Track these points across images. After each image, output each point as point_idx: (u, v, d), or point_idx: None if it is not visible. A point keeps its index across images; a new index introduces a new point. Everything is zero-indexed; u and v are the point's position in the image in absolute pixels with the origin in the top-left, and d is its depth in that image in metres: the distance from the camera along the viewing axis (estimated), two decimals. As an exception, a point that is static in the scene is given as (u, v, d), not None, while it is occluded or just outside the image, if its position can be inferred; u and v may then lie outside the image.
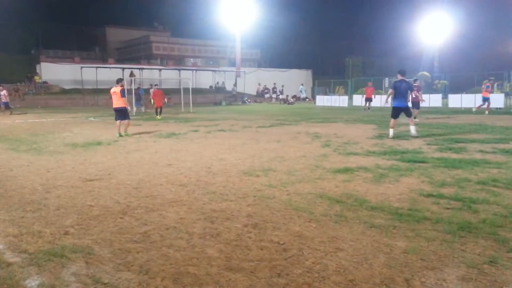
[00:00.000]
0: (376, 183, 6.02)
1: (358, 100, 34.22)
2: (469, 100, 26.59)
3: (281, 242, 3.84)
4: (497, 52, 48.20)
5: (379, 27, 61.63)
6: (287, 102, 39.61)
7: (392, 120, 11.48)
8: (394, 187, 5.78)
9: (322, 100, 36.90)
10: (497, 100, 25.43)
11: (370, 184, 5.97)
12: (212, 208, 4.93)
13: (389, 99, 12.52)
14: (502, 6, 51.05)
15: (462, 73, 37.65)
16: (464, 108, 25.61)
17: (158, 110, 20.58)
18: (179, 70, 43.85)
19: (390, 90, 11.77)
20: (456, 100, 27.73)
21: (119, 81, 12.71)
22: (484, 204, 4.85)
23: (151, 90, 25.16)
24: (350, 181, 6.13)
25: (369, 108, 26.53)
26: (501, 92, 26.84)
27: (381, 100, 31.51)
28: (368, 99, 26.75)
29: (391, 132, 11.38)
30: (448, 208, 4.74)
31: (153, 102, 21.58)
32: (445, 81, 37.66)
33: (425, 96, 30.86)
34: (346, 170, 6.84)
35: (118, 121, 12.55)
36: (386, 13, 62.01)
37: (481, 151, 8.73)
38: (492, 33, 50.67)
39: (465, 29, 49.27)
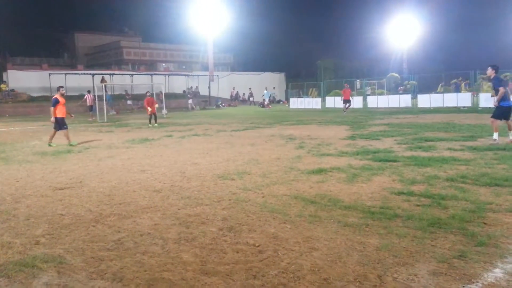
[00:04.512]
0: (349, 183, 6.12)
1: (331, 101, 34.67)
2: (437, 100, 27.39)
3: (257, 244, 3.85)
4: (462, 53, 49.90)
5: (349, 30, 63.01)
6: (263, 105, 39.65)
7: (498, 122, 9.77)
8: (366, 186, 5.89)
9: (296, 103, 37.22)
10: (465, 99, 26.30)
11: (343, 184, 6.06)
12: (187, 213, 4.90)
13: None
14: (465, 9, 52.89)
15: (430, 74, 38.71)
16: (433, 107, 26.31)
17: (152, 117, 18.98)
18: (151, 75, 43.34)
19: (502, 88, 9.64)
20: (425, 100, 28.49)
21: (58, 89, 12.31)
22: (453, 200, 5.00)
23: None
24: (324, 182, 6.21)
25: (347, 109, 26.39)
26: (468, 91, 27.78)
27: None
28: (346, 101, 26.61)
29: (497, 135, 9.66)
30: (418, 205, 4.86)
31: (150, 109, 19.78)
32: (414, 82, 38.64)
33: (395, 97, 31.85)
34: (320, 171, 6.92)
35: (57, 131, 12.00)
36: (356, 17, 63.28)
37: (449, 148, 9.00)
38: (456, 35, 52.42)
39: (431, 32, 50.80)
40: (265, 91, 40.66)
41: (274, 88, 54.70)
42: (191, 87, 46.75)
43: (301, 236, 4.03)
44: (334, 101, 33.67)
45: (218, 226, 4.38)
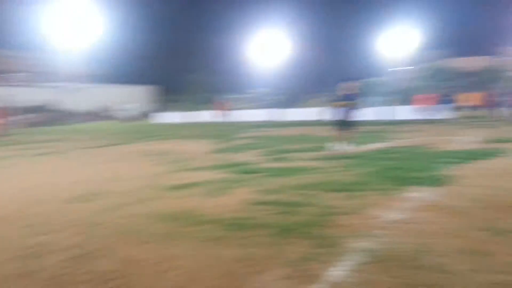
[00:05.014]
0: (210, 196, 6.16)
1: (200, 116, 35.02)
2: (298, 113, 29.80)
3: (109, 271, 3.61)
4: (324, 70, 54.78)
5: (220, 47, 64.76)
6: (122, 120, 37.98)
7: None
8: (227, 198, 6.01)
9: (160, 117, 36.74)
10: (323, 113, 28.92)
11: (204, 198, 6.09)
12: (31, 243, 4.36)
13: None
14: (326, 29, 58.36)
15: (293, 90, 41.72)
16: (293, 121, 28.42)
17: None
18: (-4, 87, 38.36)
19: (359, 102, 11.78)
20: (287, 114, 30.70)
21: None
22: (304, 207, 5.39)
23: None
24: (184, 198, 6.15)
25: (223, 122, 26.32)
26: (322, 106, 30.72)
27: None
28: (220, 115, 26.71)
29: (339, 145, 11.14)
30: (274, 213, 5.12)
31: None
32: (279, 97, 41.30)
33: (260, 111, 33.52)
34: (182, 187, 6.85)
35: None
36: (225, 34, 65.47)
37: (302, 159, 9.76)
38: (319, 52, 57.67)
39: (298, 50, 54.71)
40: (127, 105, 38.98)
41: (140, 103, 53.03)
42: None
43: (159, 256, 3.90)
44: (202, 115, 34.11)
45: (66, 255, 3.99)
